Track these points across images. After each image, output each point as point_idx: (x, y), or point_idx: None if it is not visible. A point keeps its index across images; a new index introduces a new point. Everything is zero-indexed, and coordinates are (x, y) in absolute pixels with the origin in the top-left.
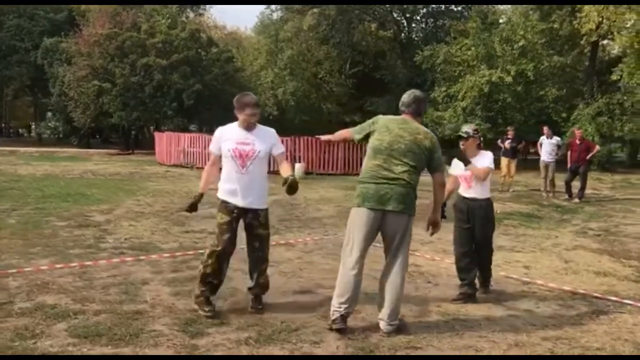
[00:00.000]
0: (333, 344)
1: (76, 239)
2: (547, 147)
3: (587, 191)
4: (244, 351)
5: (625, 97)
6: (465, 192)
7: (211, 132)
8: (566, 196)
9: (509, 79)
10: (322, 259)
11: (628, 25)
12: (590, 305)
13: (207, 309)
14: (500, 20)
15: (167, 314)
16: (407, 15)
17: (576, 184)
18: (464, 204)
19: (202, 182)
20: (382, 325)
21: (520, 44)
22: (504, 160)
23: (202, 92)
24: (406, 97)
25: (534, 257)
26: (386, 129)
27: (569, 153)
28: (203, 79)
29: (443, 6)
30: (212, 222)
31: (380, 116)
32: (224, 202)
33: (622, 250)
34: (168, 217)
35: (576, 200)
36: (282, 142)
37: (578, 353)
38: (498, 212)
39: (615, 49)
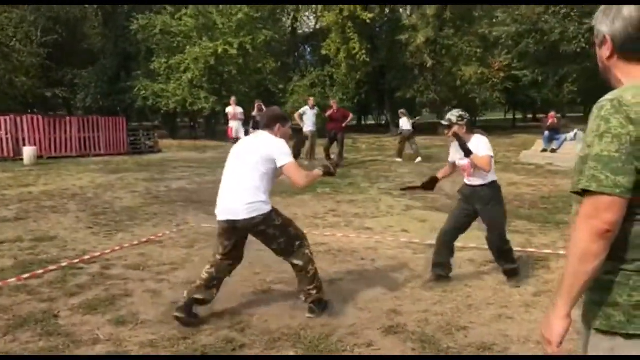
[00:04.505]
0: (387, 344)
1: None
2: (312, 117)
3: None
4: None
5: (334, 70)
6: (468, 180)
7: None
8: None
9: (233, 52)
10: None
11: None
12: (520, 260)
13: None
14: None
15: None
16: None
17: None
18: (468, 189)
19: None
20: None
21: (239, 16)
22: None
23: None
24: None
25: (396, 220)
26: None
27: (327, 122)
28: None
29: None
30: (15, 224)
31: (625, 95)
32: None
33: (443, 205)
34: None
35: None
36: (1, 122)
37: None
38: None
39: (300, 24)
